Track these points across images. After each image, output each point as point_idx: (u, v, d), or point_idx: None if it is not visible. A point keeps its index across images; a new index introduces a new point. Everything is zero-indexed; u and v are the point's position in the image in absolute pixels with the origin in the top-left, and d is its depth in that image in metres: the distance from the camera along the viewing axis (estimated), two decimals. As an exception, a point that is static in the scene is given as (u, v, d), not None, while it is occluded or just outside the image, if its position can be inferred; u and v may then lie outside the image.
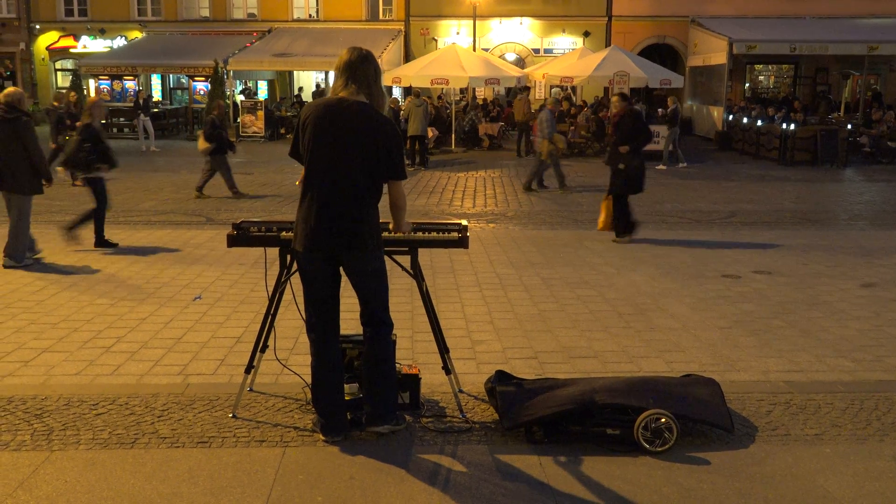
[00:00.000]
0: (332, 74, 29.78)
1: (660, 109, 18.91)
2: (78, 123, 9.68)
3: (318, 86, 30.44)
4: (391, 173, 4.15)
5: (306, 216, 4.12)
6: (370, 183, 4.12)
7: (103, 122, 14.31)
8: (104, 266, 8.42)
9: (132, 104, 26.07)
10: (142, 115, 22.67)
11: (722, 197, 14.19)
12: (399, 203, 4.28)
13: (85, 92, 27.41)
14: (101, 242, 9.42)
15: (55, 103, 15.66)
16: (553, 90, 27.26)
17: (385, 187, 4.22)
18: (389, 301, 4.37)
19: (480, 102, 26.52)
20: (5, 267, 8.27)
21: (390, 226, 4.40)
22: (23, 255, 8.39)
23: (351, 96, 4.13)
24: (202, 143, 13.44)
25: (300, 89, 31.03)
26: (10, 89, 8.56)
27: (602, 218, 10.37)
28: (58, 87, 31.05)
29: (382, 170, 4.12)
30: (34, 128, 8.53)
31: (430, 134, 20.87)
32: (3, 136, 8.18)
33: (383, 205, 4.21)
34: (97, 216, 9.44)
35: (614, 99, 10.64)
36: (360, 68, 4.15)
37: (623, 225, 10.08)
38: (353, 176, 4.08)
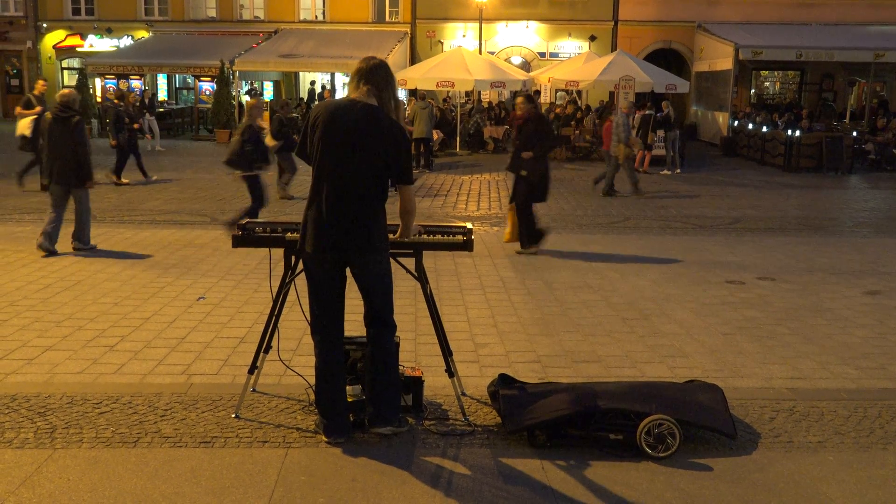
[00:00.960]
0: (337, 76, 29.95)
1: (658, 114, 18.90)
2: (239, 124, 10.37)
3: (323, 87, 30.46)
4: (398, 177, 4.17)
5: (316, 217, 4.13)
6: (377, 184, 4.14)
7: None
8: (108, 265, 8.44)
9: (138, 103, 26.12)
10: (147, 114, 22.72)
11: (726, 203, 14.17)
12: (408, 208, 4.31)
13: (91, 91, 27.46)
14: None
15: (116, 101, 15.82)
16: (558, 93, 27.27)
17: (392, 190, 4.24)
18: (393, 303, 4.38)
19: (486, 106, 26.52)
20: (76, 250, 8.99)
21: (398, 232, 4.41)
22: (88, 240, 9.15)
23: (362, 98, 4.16)
24: (270, 141, 13.54)
25: (312, 83, 31.05)
26: (64, 90, 9.28)
27: (508, 229, 9.74)
28: (64, 85, 31.14)
29: (389, 172, 4.14)
30: (85, 127, 9.16)
31: (435, 136, 20.88)
32: (58, 133, 8.86)
33: (391, 209, 4.21)
34: (251, 213, 9.76)
35: (519, 100, 9.85)
36: (373, 74, 4.20)
37: (528, 235, 9.48)
38: (361, 177, 4.09)
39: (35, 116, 13.45)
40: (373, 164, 4.10)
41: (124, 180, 14.92)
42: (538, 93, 24.49)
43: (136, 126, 15.77)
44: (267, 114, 24.75)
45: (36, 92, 14.51)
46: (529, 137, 9.42)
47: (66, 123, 8.83)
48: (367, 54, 4.50)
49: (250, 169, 9.84)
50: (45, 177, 9.23)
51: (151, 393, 4.90)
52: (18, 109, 14.04)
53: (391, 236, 4.41)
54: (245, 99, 26.47)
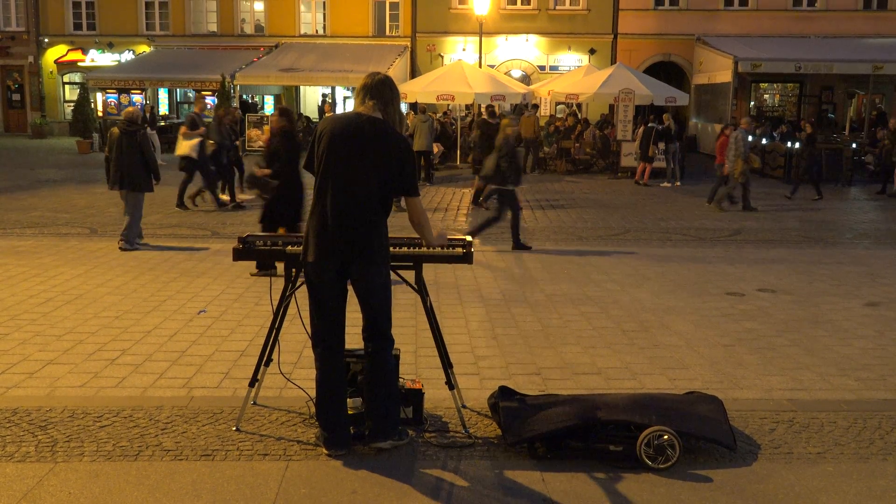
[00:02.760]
0: (338, 89, 30.06)
1: (659, 126, 18.97)
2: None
3: (324, 100, 30.53)
4: (403, 189, 4.21)
5: (318, 226, 4.17)
6: (382, 196, 4.18)
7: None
8: (110, 278, 8.46)
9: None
10: (148, 128, 22.79)
11: (726, 214, 14.19)
12: (418, 220, 4.37)
13: (92, 105, 27.54)
14: (519, 246, 10.49)
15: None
16: (558, 106, 27.34)
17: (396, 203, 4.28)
18: (393, 316, 4.40)
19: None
20: (121, 249, 9.94)
21: (422, 243, 4.51)
22: (135, 240, 10.16)
23: (367, 112, 4.21)
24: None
25: (324, 94, 31.09)
26: (130, 109, 10.71)
27: None
28: (65, 100, 31.27)
29: (394, 184, 4.18)
30: (149, 139, 10.30)
31: (436, 149, 20.91)
32: (125, 145, 10.05)
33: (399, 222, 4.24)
34: (514, 222, 10.51)
35: (274, 114, 9.41)
36: (379, 89, 4.27)
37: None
38: (365, 188, 4.14)
39: (200, 139, 13.27)
40: (376, 176, 4.14)
41: (247, 195, 14.81)
42: (537, 106, 24.49)
43: (238, 142, 15.67)
44: (268, 127, 24.97)
45: (198, 109, 14.27)
46: (272, 155, 8.72)
47: (132, 137, 10.10)
48: (367, 68, 4.58)
49: (503, 184, 10.41)
50: (114, 185, 10.17)
51: (152, 406, 4.91)
52: (183, 129, 13.58)
53: (424, 249, 4.52)
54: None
